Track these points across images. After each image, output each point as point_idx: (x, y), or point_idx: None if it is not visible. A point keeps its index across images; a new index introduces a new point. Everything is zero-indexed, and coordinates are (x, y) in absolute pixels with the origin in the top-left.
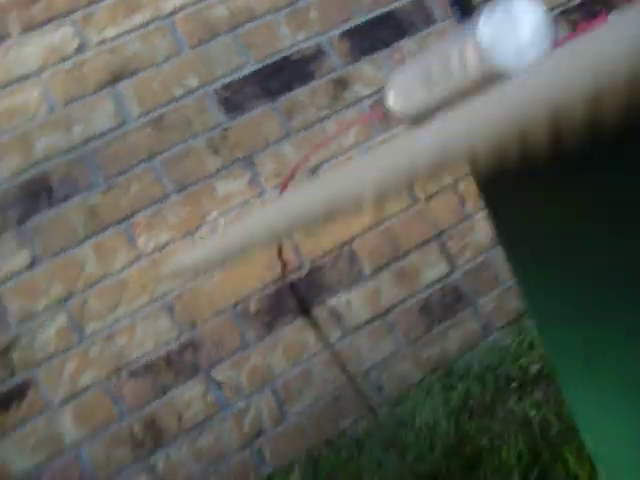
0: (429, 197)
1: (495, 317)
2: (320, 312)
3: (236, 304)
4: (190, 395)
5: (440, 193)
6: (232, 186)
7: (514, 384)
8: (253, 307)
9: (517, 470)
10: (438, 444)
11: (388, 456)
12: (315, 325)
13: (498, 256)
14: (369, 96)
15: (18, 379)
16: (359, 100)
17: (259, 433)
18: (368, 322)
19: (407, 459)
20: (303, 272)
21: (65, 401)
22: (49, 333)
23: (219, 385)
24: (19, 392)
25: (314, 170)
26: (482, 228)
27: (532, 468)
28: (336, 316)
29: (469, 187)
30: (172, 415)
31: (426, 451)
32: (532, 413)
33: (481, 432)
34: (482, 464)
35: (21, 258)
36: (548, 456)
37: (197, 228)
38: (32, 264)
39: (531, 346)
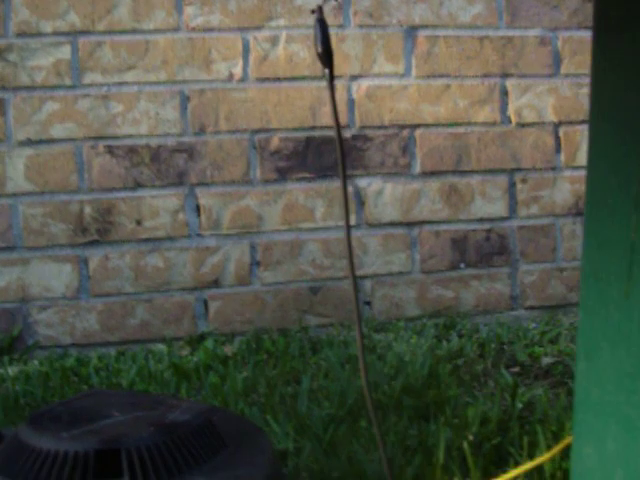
0: (522, 124)
1: (530, 293)
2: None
3: (258, 131)
4: (162, 204)
5: (536, 127)
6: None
7: (516, 368)
8: (275, 144)
9: (472, 432)
10: (400, 379)
11: (341, 370)
12: (345, 192)
13: (567, 229)
14: None
15: None
16: None
17: (215, 283)
18: (390, 225)
19: (359, 381)
20: (348, 133)
21: (27, 143)
22: (45, 61)
23: (198, 209)
24: None
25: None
26: (564, 189)
27: (491, 438)
28: (359, 201)
29: (571, 137)
30: (132, 216)
31: (384, 380)
32: (522, 399)
33: (454, 387)
34: (439, 414)
35: None
36: (515, 434)
37: (255, 29)
38: None
39: (554, 341)
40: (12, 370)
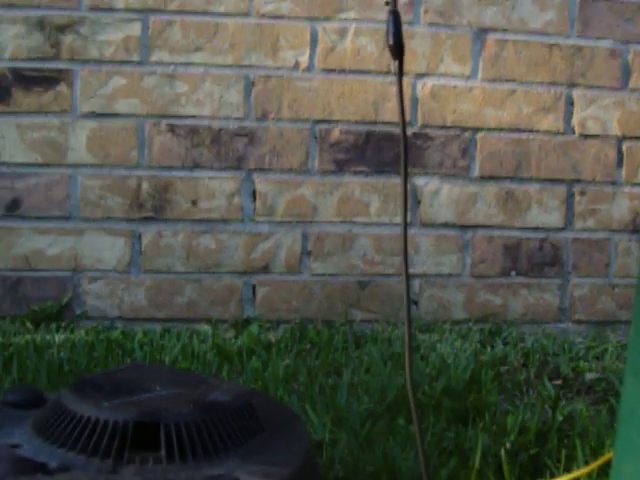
0: (585, 136)
1: (580, 307)
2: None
3: (319, 121)
4: (219, 186)
5: (599, 139)
6: None
7: (558, 381)
8: (335, 135)
9: (510, 441)
10: (442, 380)
11: (383, 366)
12: (405, 190)
13: (622, 245)
14: None
15: (58, 65)
16: None
17: (265, 269)
18: (444, 226)
19: (401, 379)
20: (409, 131)
21: (91, 116)
22: (115, 36)
23: (254, 194)
24: (51, 79)
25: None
26: (623, 205)
27: (528, 448)
28: (414, 199)
29: (634, 152)
30: (188, 195)
31: (425, 380)
32: (562, 412)
33: (495, 394)
34: (478, 418)
35: None
36: (553, 446)
37: (324, 19)
38: None
39: (600, 357)
40: (59, 337)
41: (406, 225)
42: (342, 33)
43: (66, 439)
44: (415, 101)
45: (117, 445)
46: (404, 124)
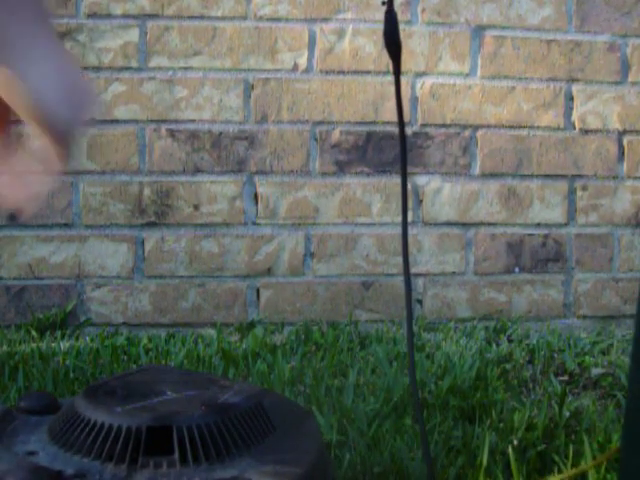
0: (585, 131)
1: (584, 302)
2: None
3: (319, 122)
4: (220, 190)
5: (600, 134)
6: None
7: (564, 377)
8: (335, 137)
9: (517, 438)
10: (448, 379)
11: (388, 366)
12: (405, 187)
13: (625, 239)
14: None
15: None
16: None
17: (268, 271)
18: (447, 224)
19: (406, 379)
20: (409, 130)
21: (91, 123)
22: (113, 43)
23: (255, 197)
24: None
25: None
26: (625, 199)
27: (536, 445)
28: (416, 198)
29: (635, 146)
30: (190, 200)
31: (431, 379)
32: (569, 408)
33: (501, 391)
34: (485, 416)
35: None
36: (561, 443)
37: (322, 20)
38: None
39: (606, 352)
40: (64, 345)
41: (406, 224)
42: (340, 34)
43: (80, 446)
44: (415, 100)
45: (131, 450)
46: (402, 123)
